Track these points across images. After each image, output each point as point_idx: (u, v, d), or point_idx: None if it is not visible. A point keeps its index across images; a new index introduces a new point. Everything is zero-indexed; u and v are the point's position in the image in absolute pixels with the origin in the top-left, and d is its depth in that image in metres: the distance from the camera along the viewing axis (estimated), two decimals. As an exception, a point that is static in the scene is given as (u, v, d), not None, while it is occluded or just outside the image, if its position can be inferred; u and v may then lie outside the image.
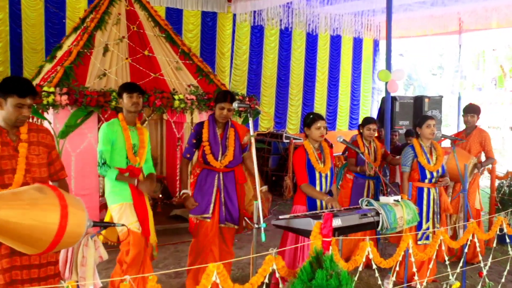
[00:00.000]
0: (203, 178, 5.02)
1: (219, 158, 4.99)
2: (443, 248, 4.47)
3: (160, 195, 8.66)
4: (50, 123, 7.10)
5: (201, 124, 5.08)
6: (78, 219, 2.98)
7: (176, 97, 7.94)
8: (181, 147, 8.78)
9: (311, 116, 5.04)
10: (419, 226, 5.59)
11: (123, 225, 3.65)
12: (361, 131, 6.50)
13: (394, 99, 13.40)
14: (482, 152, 6.93)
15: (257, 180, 4.04)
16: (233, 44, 14.28)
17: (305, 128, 5.08)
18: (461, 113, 7.02)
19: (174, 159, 9.40)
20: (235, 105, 4.28)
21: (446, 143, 10.92)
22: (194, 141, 5.02)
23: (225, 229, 5.13)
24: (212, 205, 5.00)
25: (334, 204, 4.71)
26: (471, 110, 6.85)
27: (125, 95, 4.67)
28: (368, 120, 6.46)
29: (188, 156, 5.04)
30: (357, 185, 6.37)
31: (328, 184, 5.06)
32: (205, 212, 4.99)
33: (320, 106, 16.69)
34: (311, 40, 16.11)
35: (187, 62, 8.89)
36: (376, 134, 6.53)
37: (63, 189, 3.42)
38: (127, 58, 8.30)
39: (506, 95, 24.91)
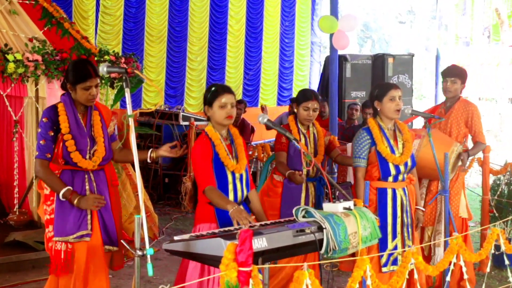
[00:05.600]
0: (67, 183, 5.08)
1: (88, 156, 5.08)
2: (416, 276, 4.63)
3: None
4: None
5: (53, 109, 5.12)
6: None
7: (10, 57, 7.71)
8: (21, 136, 8.58)
9: (213, 89, 5.08)
10: (382, 246, 5.74)
11: None
12: (294, 109, 6.51)
13: (343, 59, 13.72)
14: (469, 136, 7.14)
15: (139, 184, 4.03)
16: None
17: (205, 107, 5.12)
18: (440, 78, 7.23)
19: (10, 155, 9.16)
20: (103, 69, 4.23)
21: (418, 123, 11.31)
22: (52, 134, 5.05)
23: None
24: (89, 217, 5.09)
25: (241, 219, 4.64)
26: (452, 73, 7.02)
27: None
28: (305, 96, 6.42)
29: (49, 156, 5.07)
30: (291, 190, 6.37)
31: (245, 189, 5.12)
32: (81, 228, 5.05)
33: (234, 71, 16.81)
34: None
35: (27, 1, 8.67)
36: (315, 116, 6.49)
37: None
38: None
39: (504, 53, 25.64)
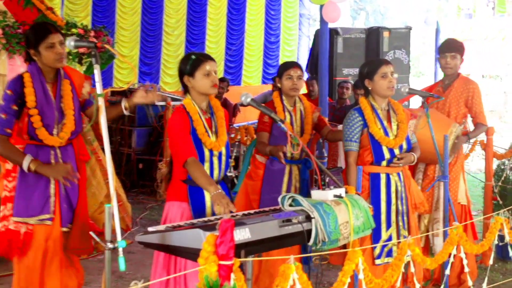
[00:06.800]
0: None
1: (55, 131, 5.11)
2: (413, 269, 4.66)
3: None
4: None
5: (19, 80, 5.10)
6: None
7: (-35, 30, 7.68)
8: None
9: (193, 57, 5.05)
10: (375, 236, 5.77)
11: None
12: (278, 84, 6.53)
13: (334, 33, 13.71)
14: (469, 116, 7.16)
15: (109, 169, 4.02)
16: None
17: (185, 78, 5.09)
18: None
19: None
20: (69, 43, 4.22)
21: (416, 102, 11.32)
22: (15, 108, 5.03)
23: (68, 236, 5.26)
24: (52, 199, 5.12)
25: (224, 205, 4.62)
26: (451, 48, 7.03)
27: None
28: (286, 65, 6.51)
29: (9, 131, 5.05)
30: (272, 172, 6.40)
31: (223, 168, 5.11)
32: (44, 211, 5.08)
33: (215, 46, 16.78)
34: None
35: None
36: (303, 87, 6.53)
37: None
38: None
39: (511, 26, 25.65)
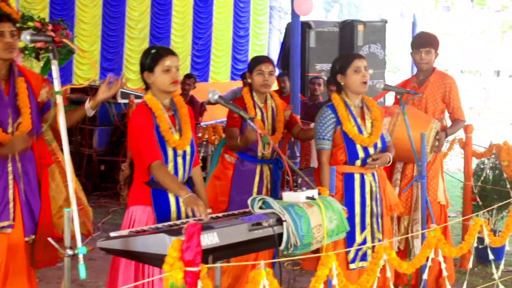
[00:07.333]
0: None
1: (10, 130, 5.01)
2: (389, 274, 4.67)
3: None
4: None
5: None
6: None
7: None
8: None
9: (153, 51, 5.03)
10: (349, 240, 5.78)
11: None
12: (249, 80, 6.54)
13: (307, 26, 13.74)
14: (446, 112, 7.19)
15: (68, 171, 3.99)
16: None
17: (144, 74, 5.07)
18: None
19: None
20: (25, 37, 4.19)
21: (391, 99, 11.36)
22: None
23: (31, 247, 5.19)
24: (11, 205, 5.04)
25: (198, 207, 4.65)
26: (425, 43, 7.06)
27: None
28: (257, 59, 6.53)
29: None
30: (243, 172, 6.39)
31: (187, 169, 5.09)
32: (2, 218, 5.00)
33: (181, 40, 16.77)
34: None
35: None
36: (275, 83, 6.54)
37: None
38: None
39: (490, 19, 25.86)
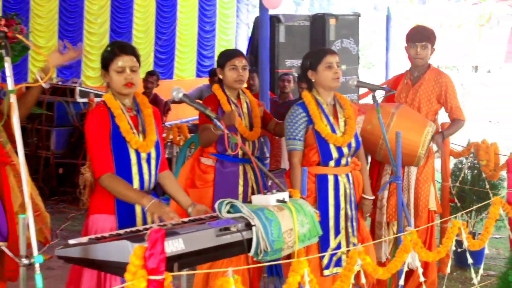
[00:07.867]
0: None
1: None
2: (364, 280, 4.68)
3: None
4: None
5: None
6: None
7: None
8: None
9: (109, 49, 4.98)
10: (323, 244, 5.79)
11: None
12: (220, 76, 6.47)
13: (276, 20, 13.74)
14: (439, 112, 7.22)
15: (23, 175, 3.96)
16: None
17: (101, 72, 5.02)
18: (397, 42, 7.28)
19: None
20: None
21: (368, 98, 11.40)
22: None
23: None
24: None
25: (166, 214, 4.62)
26: (421, 37, 7.05)
27: None
28: (228, 54, 6.46)
29: None
30: (225, 175, 6.31)
31: (153, 173, 5.04)
32: None
33: (143, 36, 16.75)
34: None
35: None
36: (246, 76, 6.46)
37: None
38: None
39: (467, 12, 26.04)
